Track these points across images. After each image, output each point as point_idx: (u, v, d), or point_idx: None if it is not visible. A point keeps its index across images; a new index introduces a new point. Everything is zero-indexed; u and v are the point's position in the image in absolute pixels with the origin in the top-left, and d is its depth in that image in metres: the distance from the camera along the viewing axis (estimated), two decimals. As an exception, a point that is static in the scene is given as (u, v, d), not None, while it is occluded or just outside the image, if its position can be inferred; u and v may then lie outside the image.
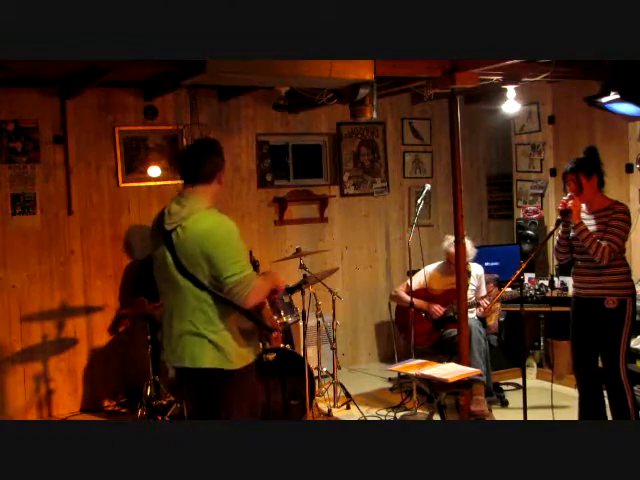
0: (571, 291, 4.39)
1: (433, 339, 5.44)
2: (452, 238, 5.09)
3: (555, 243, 4.32)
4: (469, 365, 4.73)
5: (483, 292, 5.54)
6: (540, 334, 6.05)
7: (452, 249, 5.09)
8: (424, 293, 5.50)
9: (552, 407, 4.40)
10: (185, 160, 3.10)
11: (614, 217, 4.05)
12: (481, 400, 4.95)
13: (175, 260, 2.93)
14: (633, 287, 4.17)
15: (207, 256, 2.87)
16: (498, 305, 5.52)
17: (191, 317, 2.95)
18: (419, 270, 5.67)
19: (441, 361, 4.65)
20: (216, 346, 2.93)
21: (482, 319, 5.44)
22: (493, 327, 5.57)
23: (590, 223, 4.13)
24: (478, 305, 5.41)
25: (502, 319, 5.88)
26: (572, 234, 4.20)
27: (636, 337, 5.07)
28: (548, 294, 5.69)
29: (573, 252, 4.25)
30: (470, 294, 5.37)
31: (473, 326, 5.14)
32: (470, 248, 5.38)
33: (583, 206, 4.16)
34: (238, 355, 2.98)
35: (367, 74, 4.40)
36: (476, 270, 5.56)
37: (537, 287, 5.13)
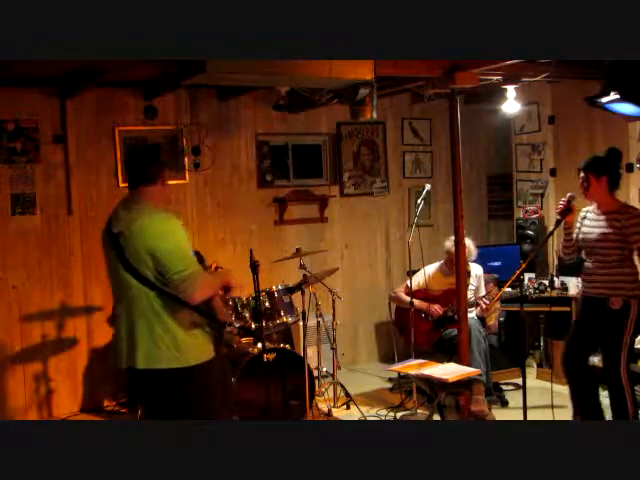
0: (580, 290, 4.40)
1: (433, 339, 5.44)
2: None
3: (560, 246, 4.33)
4: (469, 365, 4.73)
5: (482, 292, 5.53)
6: (540, 334, 6.05)
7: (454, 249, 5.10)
8: (424, 293, 5.50)
9: (552, 407, 4.40)
10: (128, 166, 3.25)
11: (629, 226, 4.03)
12: (481, 400, 4.95)
13: (123, 262, 2.98)
14: (638, 288, 4.17)
15: (152, 254, 2.93)
16: (498, 305, 5.52)
17: (143, 317, 2.99)
18: (419, 270, 5.66)
19: (441, 361, 4.65)
20: (170, 344, 2.97)
21: (482, 319, 5.43)
22: (493, 327, 5.56)
23: (601, 224, 4.14)
24: (477, 305, 5.40)
25: (502, 319, 5.88)
26: (580, 236, 4.20)
27: (636, 337, 5.08)
28: (548, 294, 5.70)
29: (580, 252, 4.27)
30: (469, 294, 5.37)
31: (473, 326, 5.14)
32: (472, 248, 5.38)
33: (594, 206, 4.17)
34: (195, 350, 3.01)
35: (367, 74, 4.40)
36: (476, 270, 5.56)
37: (536, 286, 5.13)
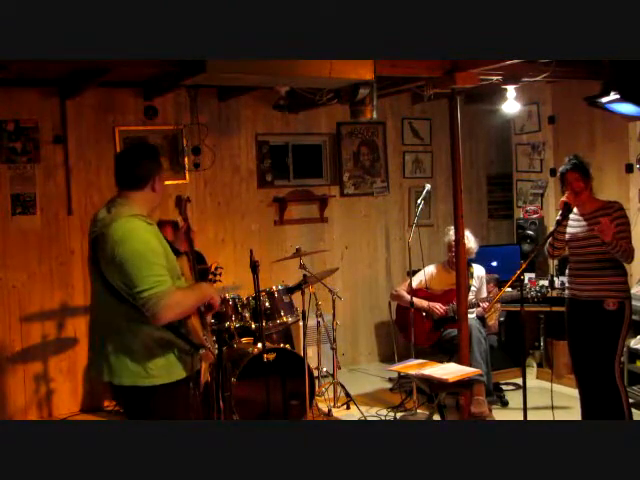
0: (566, 293, 4.38)
1: (433, 339, 5.44)
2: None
3: (548, 244, 4.31)
4: (470, 365, 4.73)
5: (484, 294, 5.53)
6: (540, 334, 6.05)
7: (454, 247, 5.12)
8: (424, 293, 5.50)
9: (552, 407, 4.40)
10: (118, 164, 2.94)
11: (616, 217, 4.05)
12: (482, 401, 4.95)
13: (96, 268, 2.78)
14: (629, 290, 4.19)
15: (119, 267, 2.68)
16: (498, 305, 5.52)
17: (110, 328, 2.78)
18: (419, 270, 5.67)
19: (441, 361, 4.65)
20: (134, 362, 2.75)
21: (482, 319, 5.43)
22: (493, 327, 5.57)
23: (582, 224, 4.15)
24: (478, 306, 5.40)
25: (502, 319, 5.88)
26: (567, 236, 4.21)
27: (636, 337, 5.08)
28: (548, 294, 5.70)
29: (567, 248, 4.26)
30: (471, 295, 5.37)
31: (474, 326, 5.14)
32: (472, 241, 5.40)
33: (575, 208, 4.17)
34: (160, 370, 2.78)
35: (367, 74, 4.40)
36: (478, 271, 5.56)
37: (538, 289, 5.14)
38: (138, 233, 2.73)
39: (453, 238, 5.09)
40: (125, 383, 2.78)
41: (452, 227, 5.15)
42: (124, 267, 2.67)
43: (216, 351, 3.20)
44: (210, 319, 3.16)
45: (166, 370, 2.80)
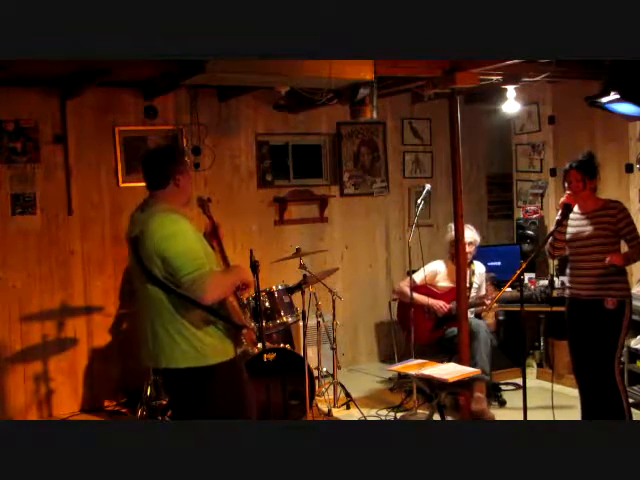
0: (566, 292, 4.38)
1: (435, 337, 5.44)
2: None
3: (549, 244, 4.31)
4: (473, 365, 4.73)
5: (483, 291, 5.54)
6: (540, 334, 6.05)
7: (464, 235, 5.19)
8: (427, 290, 5.49)
9: (552, 407, 4.40)
10: (142, 169, 3.22)
11: (622, 218, 4.07)
12: (482, 398, 4.95)
13: (140, 264, 3.01)
14: (630, 289, 4.19)
15: (162, 256, 2.94)
16: (495, 304, 5.52)
17: (159, 318, 3.02)
18: (419, 269, 5.66)
19: (442, 360, 4.65)
20: (187, 344, 2.99)
21: (480, 317, 5.42)
22: (491, 326, 5.56)
23: (583, 223, 4.15)
24: (481, 304, 5.39)
25: (501, 318, 5.88)
26: (568, 236, 4.20)
27: (636, 337, 5.08)
28: (553, 294, 5.69)
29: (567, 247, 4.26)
30: (473, 293, 5.38)
31: (481, 325, 5.14)
32: (475, 233, 5.43)
33: (575, 207, 4.17)
34: (213, 350, 3.02)
35: (367, 74, 4.40)
36: (479, 269, 5.57)
37: (542, 289, 5.15)
38: (175, 224, 3.00)
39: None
40: (181, 366, 3.00)
41: (452, 227, 5.16)
42: (167, 257, 2.93)
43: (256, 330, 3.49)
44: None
45: (218, 350, 3.04)
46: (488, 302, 5.35)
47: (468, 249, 5.19)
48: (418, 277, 5.49)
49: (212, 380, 3.02)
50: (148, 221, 3.01)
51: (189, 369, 3.00)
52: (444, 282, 5.52)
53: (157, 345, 3.04)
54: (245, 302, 4.95)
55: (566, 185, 4.21)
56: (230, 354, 3.10)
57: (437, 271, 5.57)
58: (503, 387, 5.62)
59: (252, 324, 3.34)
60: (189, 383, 3.04)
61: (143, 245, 2.99)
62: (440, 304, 5.39)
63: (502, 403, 5.34)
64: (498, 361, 5.64)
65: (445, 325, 5.41)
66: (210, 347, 3.02)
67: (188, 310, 2.99)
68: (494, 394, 5.35)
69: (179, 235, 2.97)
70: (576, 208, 4.19)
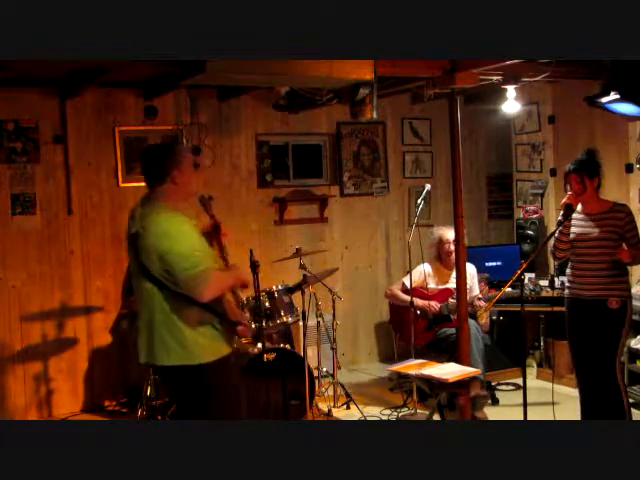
0: (566, 292, 4.37)
1: (428, 338, 5.43)
2: (441, 228, 5.44)
3: (554, 241, 4.30)
4: (470, 365, 4.72)
5: (475, 292, 5.51)
6: (540, 334, 6.05)
7: (447, 235, 5.31)
8: (419, 292, 5.49)
9: (553, 407, 4.40)
10: (141, 164, 3.25)
11: (629, 222, 4.07)
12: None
13: (138, 261, 3.03)
14: (630, 289, 4.19)
15: (160, 253, 2.95)
16: (486, 303, 5.50)
17: (153, 314, 3.03)
18: (406, 275, 5.64)
19: (439, 361, 4.65)
20: (174, 342, 3.00)
21: (473, 317, 5.40)
22: (485, 326, 5.55)
23: (588, 225, 4.13)
24: (472, 305, 5.38)
25: (494, 317, 5.87)
26: (571, 236, 4.20)
27: (636, 337, 5.08)
28: (548, 294, 5.70)
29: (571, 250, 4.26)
30: None
31: (471, 324, 5.14)
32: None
33: (578, 207, 4.17)
34: (202, 348, 3.03)
35: (367, 74, 4.40)
36: (469, 269, 5.55)
37: (533, 287, 5.11)
38: (174, 222, 3.01)
39: (442, 235, 5.22)
40: (167, 363, 3.03)
41: (438, 227, 5.30)
42: (165, 254, 2.93)
43: (253, 326, 3.57)
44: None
45: (207, 349, 3.04)
46: (479, 302, 5.34)
47: (453, 248, 5.18)
48: (407, 281, 5.48)
49: (201, 378, 3.02)
50: (148, 218, 3.02)
51: (178, 366, 3.02)
52: (433, 284, 5.52)
53: (149, 341, 3.06)
54: (245, 301, 4.98)
55: (568, 187, 4.20)
56: (222, 353, 3.10)
57: (425, 273, 5.55)
58: (503, 387, 5.62)
59: (248, 320, 3.40)
60: (179, 380, 3.07)
61: (142, 241, 2.99)
62: (432, 303, 5.38)
63: (496, 402, 5.34)
64: (497, 361, 5.63)
65: (436, 326, 5.40)
66: (199, 346, 3.02)
67: (182, 308, 3.00)
68: (488, 394, 5.35)
69: (178, 233, 2.98)
70: (579, 209, 4.18)
